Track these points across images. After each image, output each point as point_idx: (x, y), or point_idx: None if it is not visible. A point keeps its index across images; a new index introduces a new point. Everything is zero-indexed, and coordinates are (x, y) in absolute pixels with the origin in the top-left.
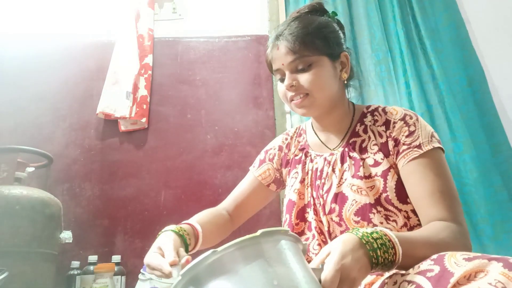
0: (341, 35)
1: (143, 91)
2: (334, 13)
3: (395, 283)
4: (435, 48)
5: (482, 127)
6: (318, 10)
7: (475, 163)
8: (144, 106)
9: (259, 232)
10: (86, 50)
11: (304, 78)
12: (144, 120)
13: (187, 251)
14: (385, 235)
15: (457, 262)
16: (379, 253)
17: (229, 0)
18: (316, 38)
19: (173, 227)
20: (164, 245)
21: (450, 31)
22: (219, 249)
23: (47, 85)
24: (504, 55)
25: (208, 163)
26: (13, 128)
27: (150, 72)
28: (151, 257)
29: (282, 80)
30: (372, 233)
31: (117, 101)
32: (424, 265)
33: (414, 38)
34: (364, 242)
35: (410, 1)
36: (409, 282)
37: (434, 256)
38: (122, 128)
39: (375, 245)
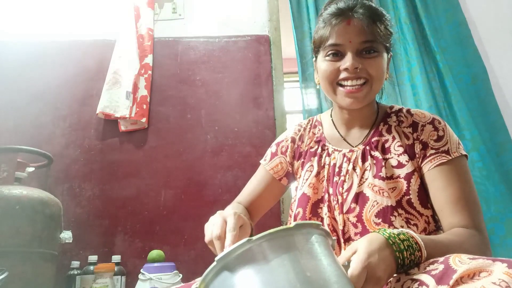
0: None
1: (143, 91)
2: None
3: (398, 280)
4: (439, 46)
5: (486, 125)
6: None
7: (484, 161)
8: (144, 106)
9: (293, 224)
10: (86, 50)
11: (370, 64)
12: (144, 120)
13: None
14: (412, 237)
15: (461, 261)
16: (405, 255)
17: (229, 0)
18: (385, 27)
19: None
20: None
21: (453, 29)
22: (254, 238)
23: (47, 85)
24: (506, 54)
25: (208, 163)
26: (13, 128)
27: (150, 72)
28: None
29: (334, 56)
30: (399, 234)
31: (117, 101)
32: (431, 266)
33: (418, 37)
34: (391, 242)
35: (413, 0)
36: (413, 280)
37: (441, 259)
38: (122, 128)
39: (402, 246)
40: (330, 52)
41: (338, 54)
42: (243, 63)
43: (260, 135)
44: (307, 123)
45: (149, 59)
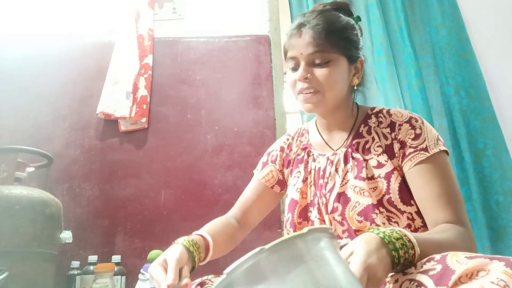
0: (361, 41)
1: (143, 91)
2: (358, 18)
3: (396, 281)
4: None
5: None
6: (344, 9)
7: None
8: (144, 106)
9: (305, 229)
10: (86, 50)
11: (319, 73)
12: (144, 120)
13: (194, 267)
14: (405, 235)
15: (459, 260)
16: (401, 253)
17: (229, 0)
18: (341, 37)
19: (184, 240)
20: (170, 260)
21: (449, 32)
22: (266, 247)
23: (47, 85)
24: (503, 56)
25: (208, 163)
26: (13, 128)
27: (150, 72)
28: (154, 268)
29: (294, 69)
30: (392, 232)
31: (117, 101)
32: (428, 265)
33: (415, 34)
34: (387, 241)
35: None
36: (411, 280)
37: (438, 257)
38: (122, 128)
39: (397, 245)
40: (291, 65)
41: (296, 67)
42: (243, 63)
43: (260, 135)
44: (295, 132)
45: (149, 59)
